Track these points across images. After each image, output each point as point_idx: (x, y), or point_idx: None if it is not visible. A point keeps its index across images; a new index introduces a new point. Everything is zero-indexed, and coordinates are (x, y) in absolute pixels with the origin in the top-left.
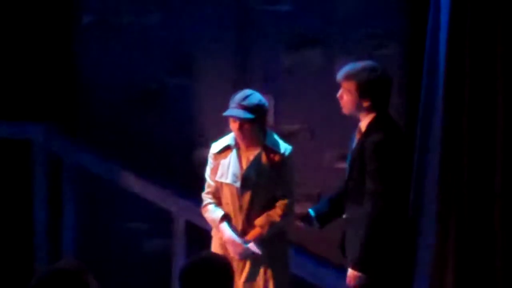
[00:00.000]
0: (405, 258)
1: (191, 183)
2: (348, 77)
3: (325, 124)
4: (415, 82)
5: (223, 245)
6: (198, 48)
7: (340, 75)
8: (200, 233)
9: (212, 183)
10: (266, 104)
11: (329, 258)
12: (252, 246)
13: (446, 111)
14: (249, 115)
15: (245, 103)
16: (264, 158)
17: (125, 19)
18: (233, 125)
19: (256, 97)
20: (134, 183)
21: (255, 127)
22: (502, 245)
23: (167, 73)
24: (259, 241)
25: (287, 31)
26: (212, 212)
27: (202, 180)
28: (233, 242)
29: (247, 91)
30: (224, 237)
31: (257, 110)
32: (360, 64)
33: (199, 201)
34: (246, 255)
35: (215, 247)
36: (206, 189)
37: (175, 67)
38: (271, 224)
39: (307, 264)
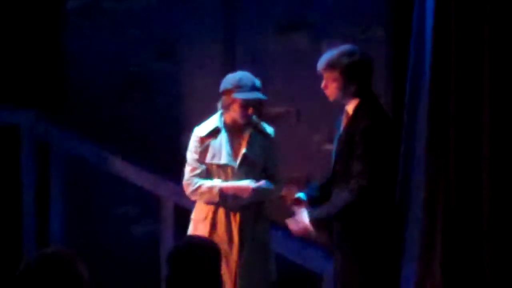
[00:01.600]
0: (391, 244)
1: (177, 167)
2: (329, 65)
3: (312, 106)
4: (401, 66)
5: (212, 229)
6: (184, 32)
7: (320, 65)
8: (188, 217)
9: (198, 166)
10: None
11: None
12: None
13: (432, 96)
14: (265, 97)
15: (257, 85)
16: (257, 138)
17: (110, 3)
18: (248, 109)
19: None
20: (121, 168)
21: (260, 109)
22: (489, 233)
23: (153, 58)
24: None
25: (274, 15)
26: (209, 182)
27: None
28: (242, 188)
29: (246, 73)
30: (236, 190)
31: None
32: (337, 50)
33: None
34: (258, 194)
35: (202, 232)
36: (191, 173)
37: (162, 51)
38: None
39: (293, 246)
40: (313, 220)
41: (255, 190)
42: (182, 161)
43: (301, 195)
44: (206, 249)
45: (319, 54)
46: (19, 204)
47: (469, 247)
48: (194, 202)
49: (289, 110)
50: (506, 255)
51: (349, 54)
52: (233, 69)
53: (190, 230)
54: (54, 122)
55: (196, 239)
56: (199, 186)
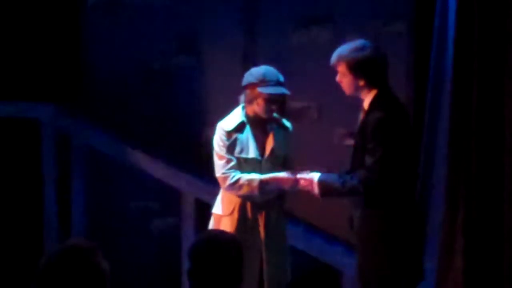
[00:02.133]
0: (411, 238)
1: (199, 161)
2: (339, 59)
3: (333, 102)
4: (423, 60)
5: (238, 224)
6: (206, 27)
7: (332, 59)
8: (209, 211)
9: (232, 159)
10: None
11: (337, 234)
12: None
13: (455, 91)
14: (289, 92)
15: (281, 80)
16: (279, 132)
17: None
18: (273, 104)
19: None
20: (142, 162)
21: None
22: (510, 226)
23: (174, 53)
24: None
25: (295, 9)
26: (249, 176)
27: (210, 158)
28: (283, 178)
29: (270, 67)
30: (277, 182)
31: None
32: (349, 45)
33: (208, 179)
34: (296, 185)
35: (228, 227)
36: (227, 165)
37: (182, 46)
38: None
39: (315, 241)
40: (320, 182)
41: (296, 180)
42: (204, 156)
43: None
44: (228, 243)
45: None
46: (40, 198)
47: (490, 241)
48: (215, 196)
49: (311, 105)
50: None
51: (359, 49)
52: (254, 63)
53: (212, 225)
54: (75, 116)
55: (217, 232)
56: (238, 179)
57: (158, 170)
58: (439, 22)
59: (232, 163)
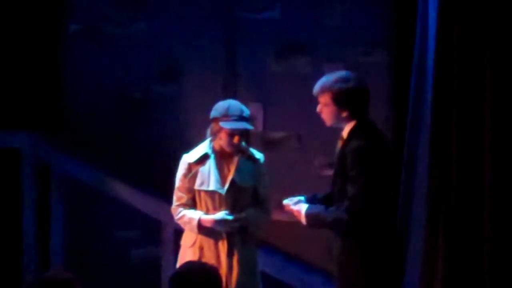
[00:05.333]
0: (390, 266)
1: None
2: (322, 90)
3: (312, 131)
4: (403, 88)
5: (200, 255)
6: (185, 56)
7: (315, 89)
8: None
9: (184, 195)
10: None
11: (318, 264)
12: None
13: (434, 118)
14: (251, 126)
15: (245, 114)
16: (246, 164)
17: (111, 27)
18: (234, 138)
19: (246, 108)
20: (122, 191)
21: (247, 137)
22: (490, 249)
23: (153, 81)
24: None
25: (275, 39)
26: (190, 213)
27: None
28: (221, 220)
29: (235, 102)
30: (212, 223)
31: (251, 120)
32: (333, 76)
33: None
34: (236, 225)
35: (191, 258)
36: (177, 202)
37: (162, 75)
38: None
39: (295, 271)
40: (308, 215)
41: (232, 222)
42: None
43: (302, 197)
44: (207, 274)
45: (320, 78)
46: (19, 226)
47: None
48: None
49: (290, 134)
50: (506, 260)
51: (343, 80)
52: (234, 92)
53: (179, 256)
54: (55, 145)
55: (197, 264)
56: (182, 216)
57: (137, 199)
58: (418, 53)
59: (183, 200)
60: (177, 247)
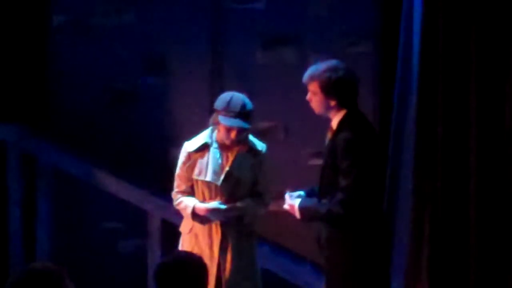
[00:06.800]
0: (379, 254)
1: (166, 182)
2: (311, 78)
3: (300, 121)
4: (389, 79)
5: (195, 242)
6: (172, 47)
7: (304, 77)
8: (176, 232)
9: (183, 182)
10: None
11: (305, 254)
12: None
13: (419, 110)
14: (248, 124)
15: (243, 111)
16: (245, 156)
17: (97, 19)
18: (231, 133)
19: (248, 103)
20: (108, 183)
21: (247, 132)
22: (476, 242)
23: (140, 73)
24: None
25: (261, 30)
26: (187, 200)
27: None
28: (214, 209)
29: (238, 96)
30: (205, 212)
31: (252, 116)
32: (323, 65)
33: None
34: (229, 215)
35: (187, 245)
36: (176, 188)
37: (149, 66)
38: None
39: (282, 261)
40: (301, 208)
41: (226, 212)
42: (170, 176)
43: (302, 192)
44: (193, 265)
45: (306, 68)
46: (5, 218)
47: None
48: (181, 217)
49: (277, 125)
50: (491, 264)
51: (332, 69)
52: (220, 83)
53: (180, 242)
54: (41, 137)
55: (182, 254)
56: (180, 202)
57: (124, 191)
58: (403, 43)
59: (182, 187)
60: (164, 239)
